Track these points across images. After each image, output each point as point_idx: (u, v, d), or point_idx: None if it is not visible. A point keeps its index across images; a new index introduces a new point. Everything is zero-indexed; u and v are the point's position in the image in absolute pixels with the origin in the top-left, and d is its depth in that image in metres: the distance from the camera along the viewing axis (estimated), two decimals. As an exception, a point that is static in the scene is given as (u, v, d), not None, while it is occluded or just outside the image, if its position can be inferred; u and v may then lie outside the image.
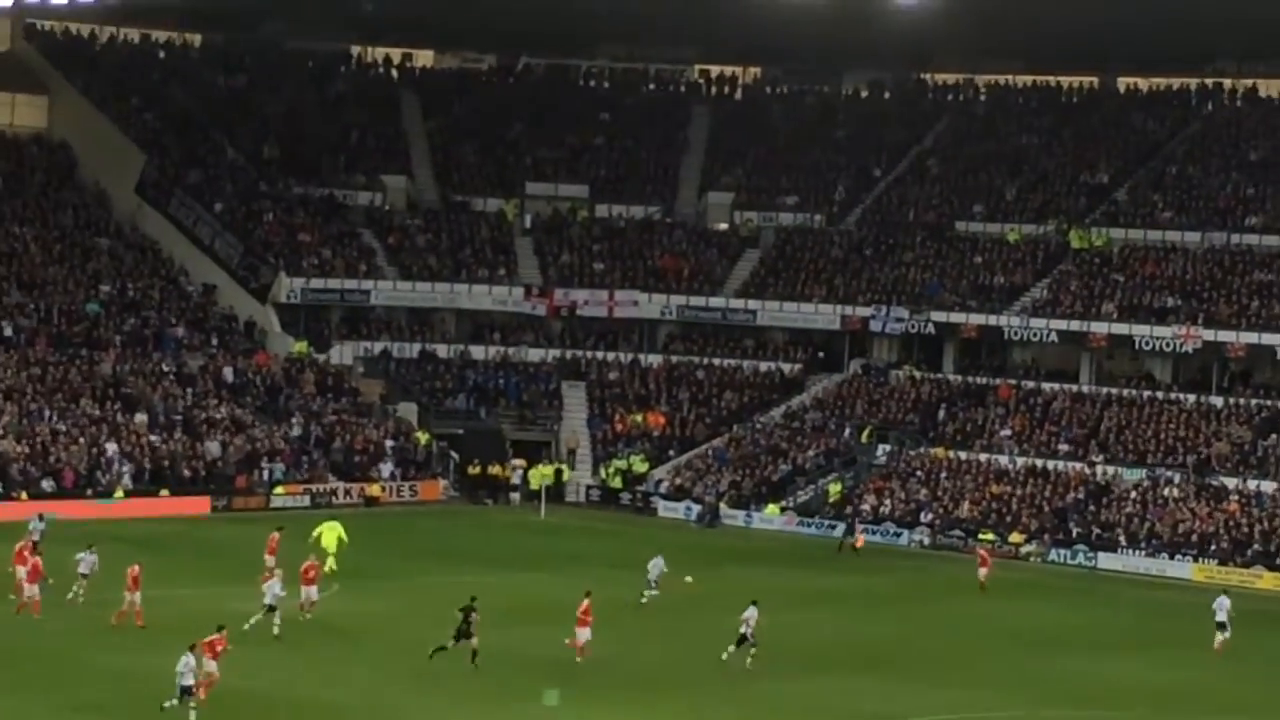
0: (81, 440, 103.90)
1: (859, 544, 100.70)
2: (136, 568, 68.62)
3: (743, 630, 65.90)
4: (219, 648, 55.72)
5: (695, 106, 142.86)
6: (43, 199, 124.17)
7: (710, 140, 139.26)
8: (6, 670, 60.72)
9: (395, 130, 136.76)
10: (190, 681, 52.50)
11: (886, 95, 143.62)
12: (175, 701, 52.38)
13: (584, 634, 65.18)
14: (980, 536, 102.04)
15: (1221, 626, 73.37)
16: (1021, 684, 67.47)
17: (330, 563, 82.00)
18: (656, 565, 78.76)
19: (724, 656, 65.45)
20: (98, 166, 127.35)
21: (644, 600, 77.46)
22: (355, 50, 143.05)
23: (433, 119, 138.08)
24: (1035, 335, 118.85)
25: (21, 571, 69.98)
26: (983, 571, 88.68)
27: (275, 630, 66.82)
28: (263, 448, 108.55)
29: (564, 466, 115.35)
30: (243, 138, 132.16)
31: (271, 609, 67.61)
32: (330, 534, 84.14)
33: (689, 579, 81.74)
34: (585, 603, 65.58)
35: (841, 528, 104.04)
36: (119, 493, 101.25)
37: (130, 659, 62.66)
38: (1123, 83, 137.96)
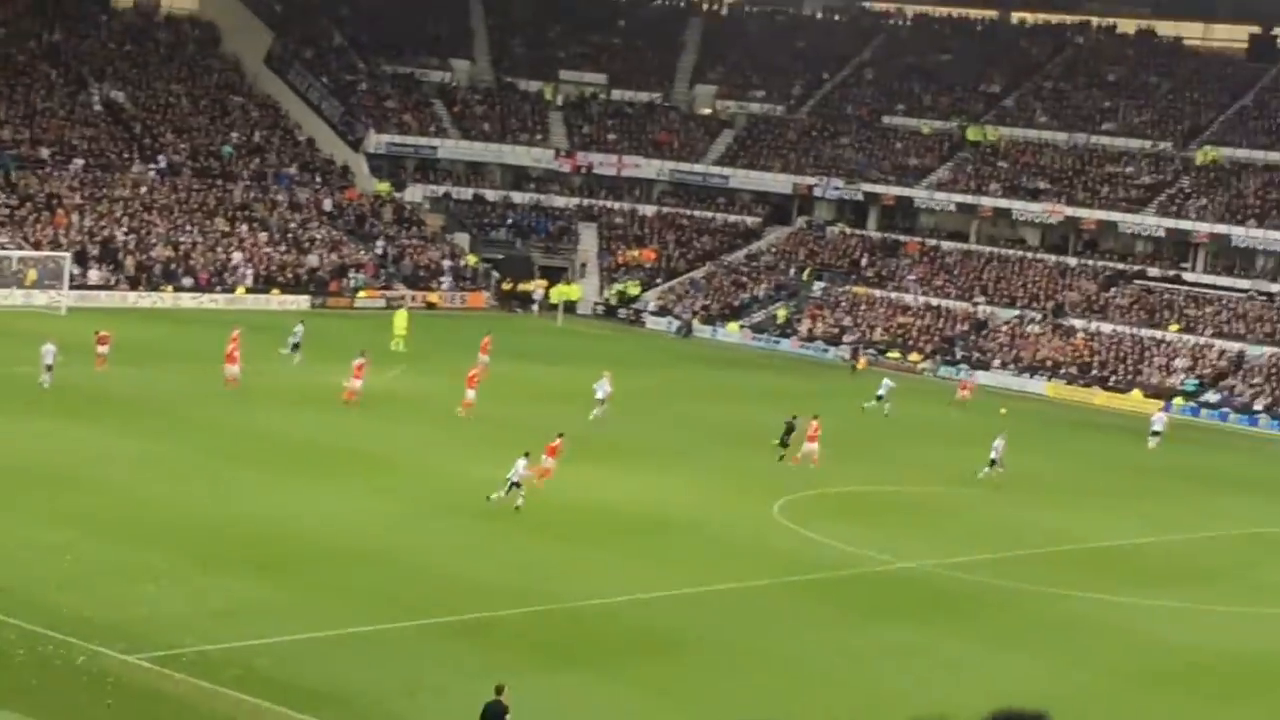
0: (216, 249, 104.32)
1: (862, 365, 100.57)
2: (361, 359, 68.66)
3: (993, 455, 65.16)
4: (557, 448, 54.79)
5: (691, 19, 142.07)
6: (193, 64, 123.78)
7: (701, 45, 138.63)
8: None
9: (463, 26, 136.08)
10: (519, 477, 50.95)
11: (836, 17, 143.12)
12: (502, 493, 50.96)
13: (813, 448, 63.23)
14: (888, 355, 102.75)
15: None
16: (895, 462, 68.10)
17: (399, 343, 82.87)
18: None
19: (980, 475, 65.06)
20: (236, 42, 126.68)
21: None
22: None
23: (492, 18, 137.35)
24: (938, 205, 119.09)
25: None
26: (965, 394, 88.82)
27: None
28: (350, 261, 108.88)
29: (580, 285, 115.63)
30: (347, 25, 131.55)
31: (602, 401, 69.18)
32: (400, 318, 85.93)
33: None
34: (815, 423, 63.77)
35: (848, 351, 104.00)
36: (240, 290, 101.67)
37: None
38: (1015, 16, 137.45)
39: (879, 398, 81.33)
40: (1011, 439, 66.76)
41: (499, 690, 31.82)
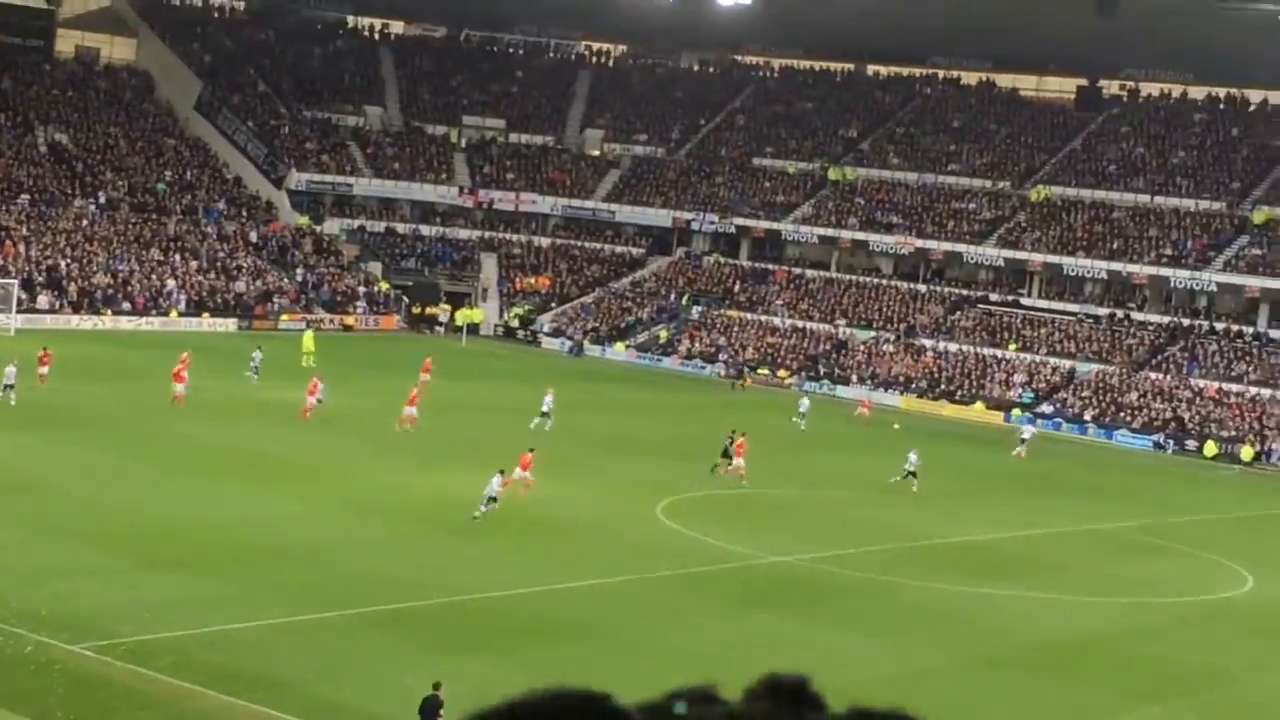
0: (151, 276, 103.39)
1: (747, 384, 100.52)
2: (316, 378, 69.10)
3: (909, 468, 65.07)
4: (530, 461, 54.71)
5: (581, 70, 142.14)
6: (130, 109, 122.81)
7: (590, 93, 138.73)
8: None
9: (375, 75, 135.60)
10: (495, 493, 50.67)
11: (711, 69, 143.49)
12: (481, 510, 50.47)
13: (740, 463, 62.75)
14: (759, 371, 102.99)
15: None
16: (776, 471, 68.20)
17: (309, 359, 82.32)
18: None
19: (891, 481, 64.88)
20: (169, 89, 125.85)
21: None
22: (350, 18, 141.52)
23: (401, 69, 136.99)
24: (802, 238, 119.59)
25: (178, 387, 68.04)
26: (864, 411, 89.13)
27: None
28: (274, 287, 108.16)
29: (482, 309, 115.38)
30: (270, 75, 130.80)
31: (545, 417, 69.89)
32: (308, 338, 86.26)
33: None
34: (741, 439, 63.49)
35: (729, 369, 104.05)
36: (174, 313, 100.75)
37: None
38: (870, 69, 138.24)
39: (801, 414, 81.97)
40: (872, 448, 66.96)
41: (436, 686, 31.54)
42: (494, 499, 50.80)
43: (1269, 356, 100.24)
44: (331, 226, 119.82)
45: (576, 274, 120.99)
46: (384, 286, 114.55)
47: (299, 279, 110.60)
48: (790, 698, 4.14)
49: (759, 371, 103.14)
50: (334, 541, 46.61)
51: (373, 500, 52.58)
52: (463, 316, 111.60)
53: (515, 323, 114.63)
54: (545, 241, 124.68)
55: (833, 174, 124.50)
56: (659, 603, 44.03)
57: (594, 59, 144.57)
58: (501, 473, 51.92)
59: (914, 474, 65.28)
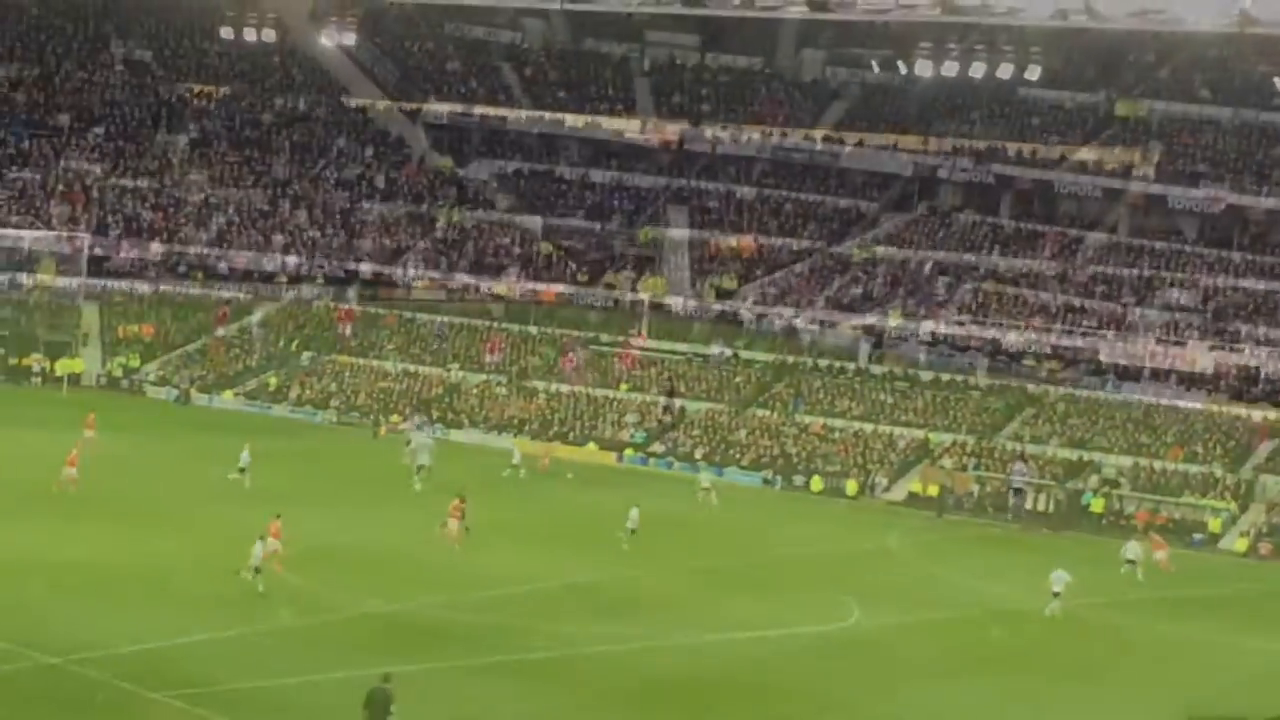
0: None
1: (382, 434, 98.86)
2: None
3: (630, 525, 65.30)
4: (278, 529, 53.11)
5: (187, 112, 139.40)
6: None
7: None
8: None
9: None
10: (258, 562, 49.61)
11: (316, 111, 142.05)
12: (254, 576, 49.50)
13: (455, 525, 61.22)
14: (384, 418, 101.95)
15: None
16: (383, 516, 67.72)
17: None
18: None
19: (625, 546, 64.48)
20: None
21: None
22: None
23: None
24: (413, 282, 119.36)
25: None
26: (545, 463, 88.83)
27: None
28: None
29: (82, 359, 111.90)
30: None
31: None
32: None
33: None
34: (456, 501, 61.91)
35: (374, 418, 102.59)
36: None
37: None
38: (427, 110, 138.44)
39: (514, 466, 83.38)
40: (485, 492, 66.64)
41: (385, 679, 33.80)
42: (258, 569, 49.74)
43: (870, 391, 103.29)
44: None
45: (182, 321, 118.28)
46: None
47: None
48: None
49: (393, 419, 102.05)
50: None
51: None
52: (63, 367, 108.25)
53: (119, 372, 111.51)
54: (147, 288, 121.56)
55: (444, 216, 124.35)
56: (267, 656, 43.23)
57: (195, 102, 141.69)
58: (262, 539, 50.83)
59: (633, 531, 65.74)
